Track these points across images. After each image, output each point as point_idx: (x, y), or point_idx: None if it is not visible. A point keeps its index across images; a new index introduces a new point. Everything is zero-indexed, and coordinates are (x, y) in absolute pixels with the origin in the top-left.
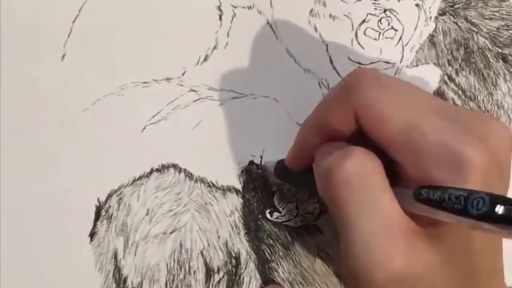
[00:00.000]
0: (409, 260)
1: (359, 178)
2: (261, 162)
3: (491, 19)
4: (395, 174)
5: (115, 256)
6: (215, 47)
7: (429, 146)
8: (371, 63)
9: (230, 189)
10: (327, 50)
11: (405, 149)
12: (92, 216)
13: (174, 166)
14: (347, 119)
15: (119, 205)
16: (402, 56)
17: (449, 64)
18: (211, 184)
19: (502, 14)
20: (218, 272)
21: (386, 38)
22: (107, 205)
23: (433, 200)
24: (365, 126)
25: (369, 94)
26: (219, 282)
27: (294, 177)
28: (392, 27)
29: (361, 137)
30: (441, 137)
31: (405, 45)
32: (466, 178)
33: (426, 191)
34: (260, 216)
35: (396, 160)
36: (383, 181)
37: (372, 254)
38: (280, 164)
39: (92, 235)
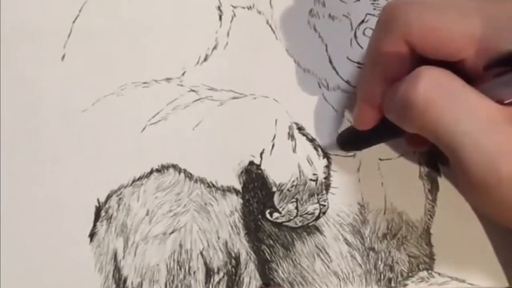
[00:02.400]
0: None
1: (439, 91)
2: (261, 162)
3: None
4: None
5: (115, 256)
6: (215, 47)
7: (488, 34)
8: None
9: (230, 189)
10: (326, 50)
11: (465, 43)
12: (92, 216)
13: (174, 166)
14: (401, 50)
15: (119, 206)
16: None
17: None
18: (211, 184)
19: None
20: (218, 272)
21: None
22: (107, 206)
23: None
24: (419, 45)
25: (413, 14)
26: (219, 282)
27: (365, 139)
28: None
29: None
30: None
31: None
32: None
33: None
34: (260, 216)
35: (460, 61)
36: (462, 84)
37: (487, 151)
38: (344, 135)
39: (92, 235)
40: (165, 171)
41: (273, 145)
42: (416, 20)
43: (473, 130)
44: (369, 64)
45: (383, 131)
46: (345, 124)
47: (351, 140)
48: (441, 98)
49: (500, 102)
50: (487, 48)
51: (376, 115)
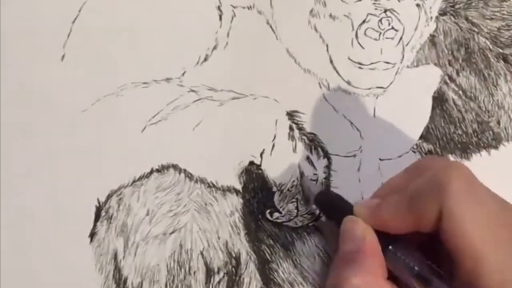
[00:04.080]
0: None
1: None
2: (261, 162)
3: (492, 19)
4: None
5: (115, 256)
6: (215, 47)
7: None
8: (372, 63)
9: (230, 189)
10: (327, 50)
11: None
12: (92, 216)
13: (174, 166)
14: (432, 214)
15: (119, 206)
16: (403, 57)
17: (450, 64)
18: (211, 184)
19: (503, 14)
20: (218, 272)
21: (387, 38)
22: (107, 206)
23: None
24: (445, 231)
25: (459, 204)
26: (219, 282)
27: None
28: (393, 27)
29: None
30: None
31: (406, 45)
32: None
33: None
34: (260, 216)
35: (468, 277)
36: None
37: None
38: (325, 196)
39: (92, 235)
40: (165, 171)
41: (273, 145)
42: (460, 213)
43: None
44: (405, 200)
45: None
46: (346, 124)
47: (329, 207)
48: None
49: None
50: (474, 278)
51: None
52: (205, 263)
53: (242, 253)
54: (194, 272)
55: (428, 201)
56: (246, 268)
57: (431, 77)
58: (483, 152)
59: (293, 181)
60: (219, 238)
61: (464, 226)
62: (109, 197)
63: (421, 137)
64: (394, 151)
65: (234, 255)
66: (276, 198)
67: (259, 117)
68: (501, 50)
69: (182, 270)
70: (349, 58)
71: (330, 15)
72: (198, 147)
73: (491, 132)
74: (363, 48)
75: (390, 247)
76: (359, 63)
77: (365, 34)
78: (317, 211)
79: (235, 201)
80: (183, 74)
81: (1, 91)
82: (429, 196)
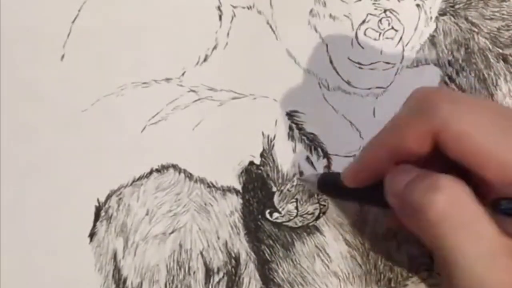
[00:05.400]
0: None
1: (454, 210)
2: (261, 162)
3: (491, 19)
4: (477, 190)
5: (115, 256)
6: (215, 47)
7: None
8: (371, 63)
9: (230, 189)
10: (327, 50)
11: (492, 164)
12: (92, 216)
13: (174, 166)
14: (423, 139)
15: (118, 206)
16: (403, 57)
17: (450, 64)
18: (210, 184)
19: (503, 14)
20: (217, 272)
21: (387, 38)
22: (106, 206)
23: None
24: (446, 144)
25: (451, 111)
26: (218, 282)
27: (347, 193)
28: (393, 27)
29: (431, 158)
30: None
31: (406, 46)
32: None
33: (506, 201)
34: (260, 216)
35: (479, 176)
36: (477, 207)
37: (482, 278)
38: (326, 178)
39: (91, 235)
40: (165, 171)
41: (273, 145)
42: (454, 121)
43: (475, 256)
44: (385, 136)
45: (368, 196)
46: (346, 125)
47: (331, 188)
48: (454, 219)
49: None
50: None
51: (368, 180)
52: (205, 263)
53: (241, 253)
54: (194, 272)
55: (414, 122)
56: (245, 268)
57: (431, 77)
58: None
59: (293, 181)
60: (218, 238)
61: (467, 129)
62: (108, 197)
63: None
64: None
65: (233, 255)
66: (276, 198)
67: (259, 117)
68: (501, 51)
69: (182, 270)
70: (348, 58)
71: (330, 15)
72: (198, 147)
73: None
74: (363, 48)
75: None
76: (359, 63)
77: (365, 34)
78: (317, 211)
79: (235, 201)
80: (183, 74)
81: (1, 91)
82: (415, 116)
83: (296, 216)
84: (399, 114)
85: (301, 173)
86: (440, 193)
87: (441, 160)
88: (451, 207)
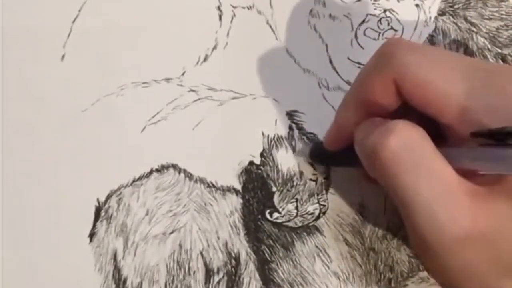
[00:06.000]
0: (474, 218)
1: (406, 151)
2: (261, 162)
3: (490, 19)
4: (440, 135)
5: (115, 256)
6: (215, 47)
7: (475, 105)
8: None
9: (229, 189)
10: (327, 50)
11: (451, 109)
12: (92, 216)
13: (174, 166)
14: (387, 88)
15: (118, 206)
16: None
17: None
18: (210, 184)
19: (502, 14)
20: (217, 272)
21: (386, 38)
22: (106, 206)
23: (493, 132)
24: (406, 91)
25: (410, 58)
26: (218, 282)
27: (332, 158)
28: (392, 27)
29: (399, 110)
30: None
31: None
32: None
33: (482, 130)
34: (259, 216)
35: (441, 121)
36: (431, 148)
37: (437, 218)
38: (316, 146)
39: (91, 235)
40: (165, 171)
41: (273, 145)
42: (412, 67)
43: (428, 194)
44: (353, 91)
45: (349, 157)
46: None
47: (321, 156)
48: (406, 159)
49: (458, 171)
50: (470, 120)
51: (346, 140)
52: (205, 263)
53: (241, 253)
54: (194, 272)
55: (376, 72)
56: (245, 268)
57: None
58: None
59: (293, 181)
60: (218, 238)
61: (425, 75)
62: (108, 197)
63: None
64: None
65: (233, 255)
66: (275, 198)
67: (259, 117)
68: (499, 50)
69: (182, 270)
70: (348, 58)
71: (330, 15)
72: (197, 147)
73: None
74: (362, 48)
75: None
76: (359, 63)
77: (364, 34)
78: (317, 211)
79: (235, 201)
80: (183, 74)
81: (1, 91)
82: (376, 67)
83: (296, 216)
84: (364, 67)
85: (301, 173)
86: (392, 135)
87: (411, 114)
88: (403, 149)
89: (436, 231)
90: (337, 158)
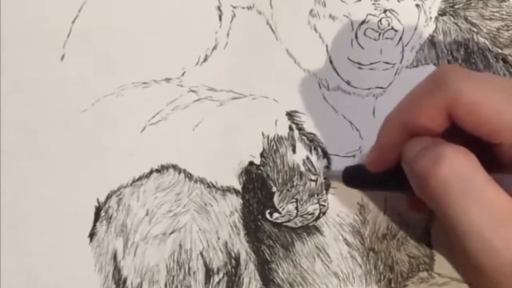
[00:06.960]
0: None
1: (457, 179)
2: (261, 162)
3: (491, 19)
4: (492, 160)
5: (115, 256)
6: (214, 47)
7: None
8: (371, 63)
9: (229, 189)
10: (327, 50)
11: (502, 129)
12: (92, 216)
13: (174, 166)
14: (438, 114)
15: (118, 206)
16: (402, 57)
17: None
18: (210, 184)
19: (502, 14)
20: (217, 272)
21: (386, 38)
22: (106, 206)
23: None
24: (459, 115)
25: (463, 84)
26: (218, 283)
27: (373, 181)
28: (392, 28)
29: (445, 131)
30: None
31: (405, 46)
32: None
33: None
34: (259, 216)
35: (494, 146)
36: (482, 174)
37: (491, 245)
38: (350, 170)
39: (91, 235)
40: (165, 171)
41: (273, 145)
42: (466, 94)
43: (481, 222)
44: (398, 113)
45: (393, 179)
46: (346, 125)
47: (358, 179)
48: (457, 187)
49: None
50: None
51: (390, 162)
52: (205, 264)
53: (241, 254)
54: (194, 273)
55: (428, 97)
56: (245, 268)
57: None
58: None
59: (293, 182)
60: (218, 238)
61: (477, 99)
62: (108, 197)
63: None
64: None
65: (233, 255)
66: (275, 198)
67: (259, 117)
68: (500, 51)
69: (182, 270)
70: (348, 58)
71: (330, 15)
72: (197, 147)
73: None
74: (362, 48)
75: None
76: (359, 63)
77: (364, 34)
78: (317, 211)
79: (235, 201)
80: (183, 74)
81: (1, 91)
82: (428, 92)
83: (296, 216)
84: (414, 91)
85: (301, 173)
86: (444, 163)
87: (457, 135)
88: (454, 177)
89: (490, 256)
90: (379, 181)
